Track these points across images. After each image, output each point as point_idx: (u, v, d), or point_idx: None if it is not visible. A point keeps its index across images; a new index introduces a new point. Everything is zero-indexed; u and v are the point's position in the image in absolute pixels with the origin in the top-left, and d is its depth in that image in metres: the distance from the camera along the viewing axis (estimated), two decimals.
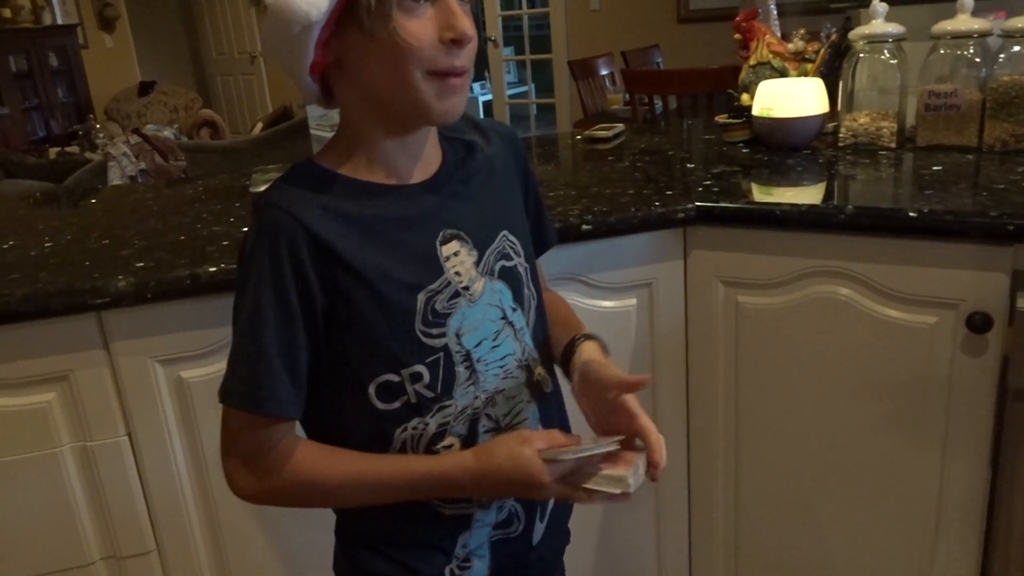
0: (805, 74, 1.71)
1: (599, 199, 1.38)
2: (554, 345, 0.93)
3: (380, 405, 0.80)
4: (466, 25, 0.73)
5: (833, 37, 1.70)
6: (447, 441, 0.82)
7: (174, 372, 1.21)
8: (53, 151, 5.03)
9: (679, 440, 1.45)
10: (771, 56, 1.74)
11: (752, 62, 1.76)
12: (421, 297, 0.79)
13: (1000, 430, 1.18)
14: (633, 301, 1.37)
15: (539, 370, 0.89)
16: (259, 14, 0.75)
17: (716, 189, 1.39)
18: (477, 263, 0.83)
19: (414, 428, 0.81)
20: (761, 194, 1.39)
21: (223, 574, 1.33)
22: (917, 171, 1.44)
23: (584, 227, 1.28)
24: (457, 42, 0.73)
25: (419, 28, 0.72)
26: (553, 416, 0.91)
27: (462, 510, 0.85)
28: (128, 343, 1.18)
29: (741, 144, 1.70)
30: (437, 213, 0.82)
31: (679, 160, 1.72)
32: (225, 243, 1.30)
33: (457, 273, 0.81)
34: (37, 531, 1.23)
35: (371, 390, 0.80)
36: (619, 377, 0.82)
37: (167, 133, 4.59)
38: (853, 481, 1.33)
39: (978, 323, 1.15)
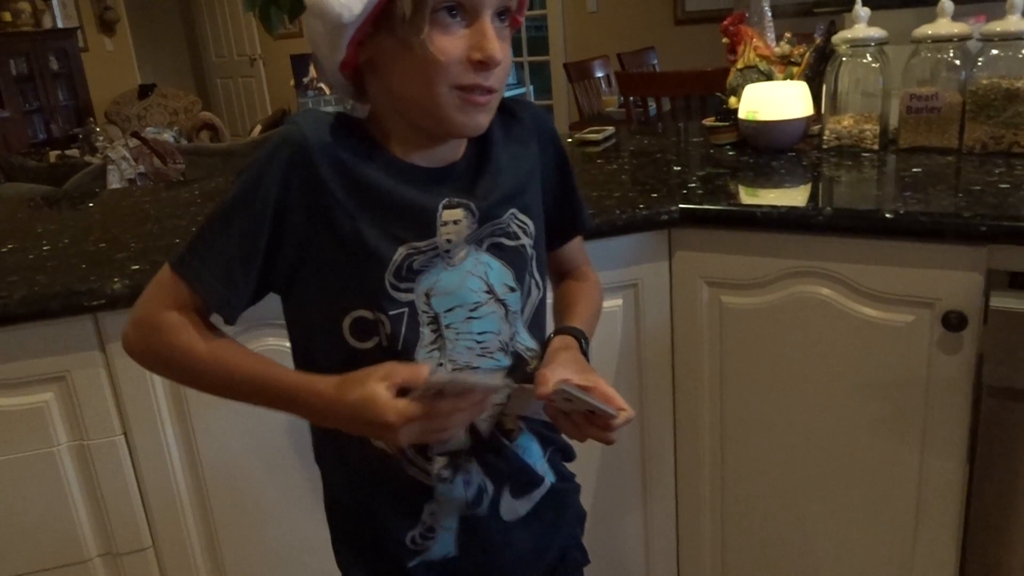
0: (791, 77, 1.74)
1: (586, 201, 1.40)
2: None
3: (353, 341, 0.81)
4: (495, 48, 0.74)
5: (817, 41, 1.72)
6: None
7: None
8: (53, 154, 5.06)
9: (666, 439, 1.48)
10: (758, 59, 1.77)
11: (739, 65, 1.79)
12: (401, 251, 0.79)
13: (976, 426, 1.21)
14: (619, 302, 1.40)
15: (535, 364, 0.88)
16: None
17: (701, 191, 1.42)
18: (471, 233, 0.83)
19: None
20: (746, 196, 1.42)
21: (218, 569, 1.35)
22: (898, 173, 1.46)
23: None
24: (484, 64, 0.75)
25: (449, 44, 0.74)
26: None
27: (420, 477, 0.85)
28: None
29: (728, 147, 1.73)
30: (449, 184, 0.83)
31: (667, 163, 1.74)
32: None
33: (448, 240, 0.81)
34: (35, 528, 1.25)
35: (346, 323, 0.80)
36: (554, 366, 0.81)
37: (167, 136, 4.61)
38: (836, 477, 1.36)
39: (954, 322, 1.18)
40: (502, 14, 0.77)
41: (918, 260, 1.20)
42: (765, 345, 1.35)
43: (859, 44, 1.56)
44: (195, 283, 0.78)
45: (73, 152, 4.96)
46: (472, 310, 0.83)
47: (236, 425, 1.29)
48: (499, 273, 0.85)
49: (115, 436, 1.24)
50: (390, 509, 0.87)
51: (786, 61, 1.78)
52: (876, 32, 1.55)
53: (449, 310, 0.82)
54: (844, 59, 1.58)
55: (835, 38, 1.60)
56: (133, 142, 3.51)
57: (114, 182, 3.30)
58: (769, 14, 2.08)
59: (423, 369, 0.74)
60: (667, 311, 1.41)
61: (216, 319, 0.82)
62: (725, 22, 1.82)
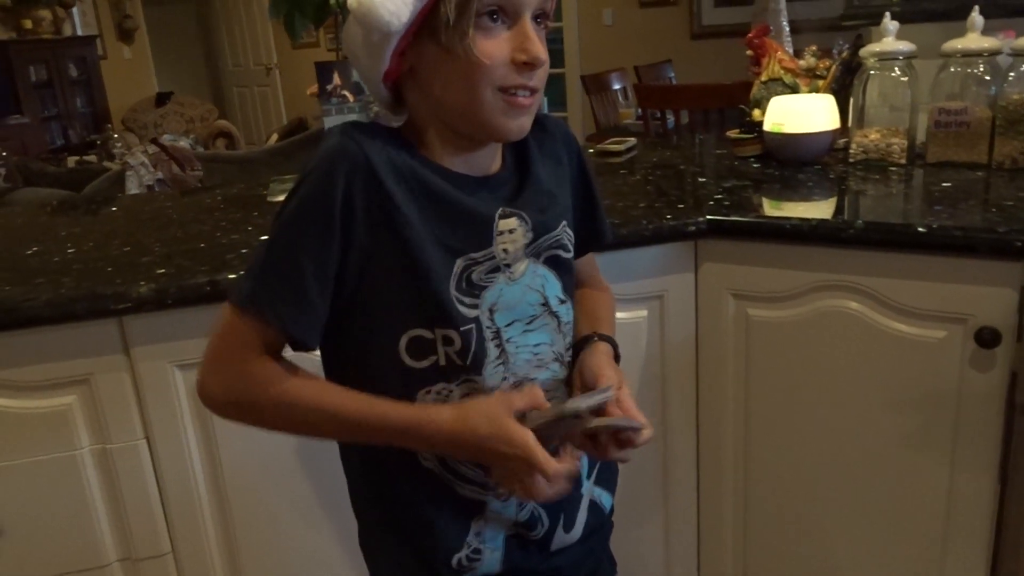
0: (816, 90, 1.73)
1: (611, 212, 1.40)
2: (576, 334, 0.92)
3: (409, 361, 0.80)
4: (539, 49, 0.75)
5: (844, 54, 1.72)
6: None
7: (192, 377, 1.22)
8: (71, 160, 5.09)
9: (688, 452, 1.46)
10: (783, 72, 1.76)
11: (764, 78, 1.78)
12: (459, 263, 0.79)
13: (1008, 445, 1.19)
14: (644, 313, 1.39)
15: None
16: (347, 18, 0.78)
17: (727, 203, 1.41)
18: (528, 244, 0.83)
19: (438, 393, 0.81)
20: (772, 208, 1.41)
21: None
22: (927, 187, 1.45)
23: None
24: (529, 64, 0.75)
25: (493, 47, 0.74)
26: None
27: (476, 494, 0.85)
28: (148, 348, 1.21)
29: (752, 159, 1.72)
30: (497, 192, 0.83)
31: (690, 174, 1.74)
32: (244, 251, 1.32)
33: (505, 250, 0.82)
34: (55, 531, 1.25)
35: (402, 343, 0.79)
36: (608, 382, 0.82)
37: (183, 143, 4.64)
38: (862, 494, 1.34)
39: (987, 338, 1.16)
40: (538, 17, 0.78)
41: (951, 275, 1.18)
42: (792, 359, 1.34)
43: (887, 57, 1.55)
44: (273, 318, 0.75)
45: (91, 158, 4.99)
46: (528, 323, 0.84)
47: (258, 432, 1.28)
48: (553, 286, 0.87)
49: (137, 440, 1.24)
50: (437, 530, 0.85)
51: (811, 74, 1.77)
52: (905, 46, 1.54)
53: (509, 324, 0.83)
54: (872, 72, 1.57)
55: (863, 51, 1.59)
56: (152, 148, 3.53)
57: (132, 188, 3.32)
58: (787, 28, 2.08)
59: (537, 393, 0.77)
60: (692, 323, 1.40)
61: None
62: (750, 35, 1.82)
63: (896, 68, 1.55)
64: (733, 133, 1.81)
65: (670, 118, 3.39)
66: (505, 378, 0.83)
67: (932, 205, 1.34)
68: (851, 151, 1.61)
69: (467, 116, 0.78)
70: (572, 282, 0.89)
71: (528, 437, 0.74)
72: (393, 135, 0.81)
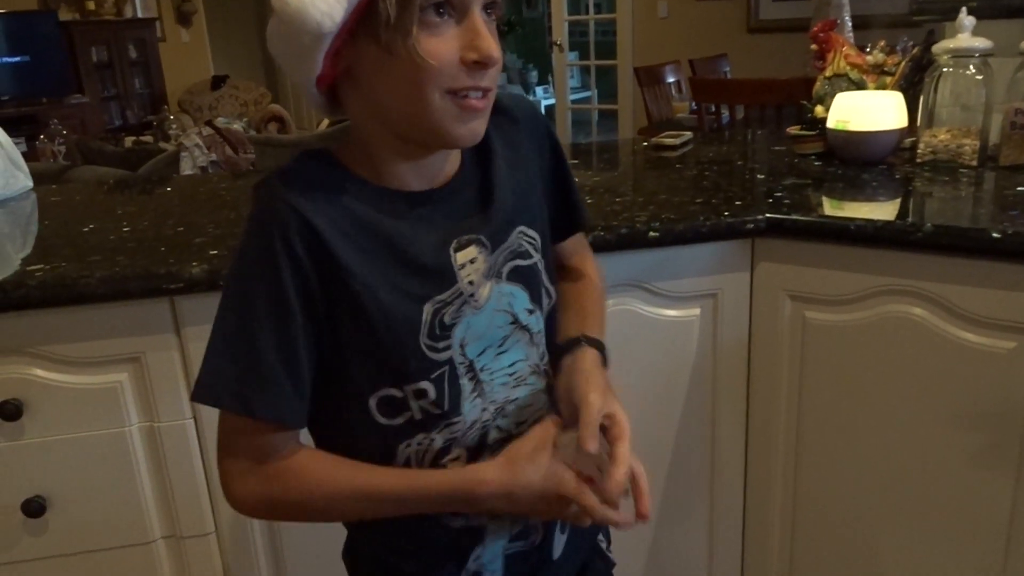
0: (883, 87, 1.67)
1: (666, 207, 1.37)
2: (559, 330, 0.85)
3: (382, 419, 0.75)
4: (491, 46, 0.68)
5: (915, 51, 1.65)
6: (454, 454, 0.77)
7: None
8: (129, 140, 5.19)
9: (736, 456, 1.43)
10: (848, 68, 1.70)
11: (828, 73, 1.73)
12: (428, 308, 0.73)
13: None
14: (697, 311, 1.35)
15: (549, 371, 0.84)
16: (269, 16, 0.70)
17: (787, 201, 1.36)
18: (489, 267, 0.77)
19: (419, 444, 0.77)
20: (833, 208, 1.36)
21: (277, 559, 1.35)
22: (1000, 191, 1.39)
23: (651, 234, 1.27)
24: (480, 64, 0.68)
25: (440, 46, 0.67)
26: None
27: (472, 522, 0.80)
28: (199, 328, 1.21)
29: (813, 157, 1.67)
30: (453, 218, 0.76)
31: (748, 171, 1.69)
32: None
33: (470, 282, 0.75)
34: (102, 506, 1.26)
35: (372, 403, 0.75)
36: (596, 410, 0.75)
37: (237, 126, 4.70)
38: (918, 509, 1.29)
39: None
40: (488, 7, 0.70)
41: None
42: (849, 365, 1.29)
43: (962, 55, 1.48)
44: (270, 415, 0.71)
45: (147, 139, 5.08)
46: (500, 345, 0.79)
47: None
48: (521, 299, 0.80)
49: (185, 420, 1.25)
50: (431, 567, 0.82)
51: (879, 70, 1.71)
52: (981, 43, 1.47)
53: (481, 353, 0.77)
54: (945, 70, 1.51)
55: (935, 48, 1.53)
56: (206, 130, 3.58)
57: (186, 169, 3.37)
58: (850, 24, 2.01)
59: (551, 429, 0.75)
60: (746, 324, 1.36)
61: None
62: (815, 28, 1.76)
63: (971, 66, 1.49)
64: (794, 129, 1.75)
65: (725, 113, 3.33)
66: (484, 408, 0.78)
67: (1005, 210, 1.28)
68: (919, 151, 1.55)
69: (414, 122, 0.70)
70: (539, 288, 0.82)
71: (583, 488, 0.72)
72: (324, 167, 0.74)
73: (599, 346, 0.84)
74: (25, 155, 1.95)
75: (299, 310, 0.70)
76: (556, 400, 0.81)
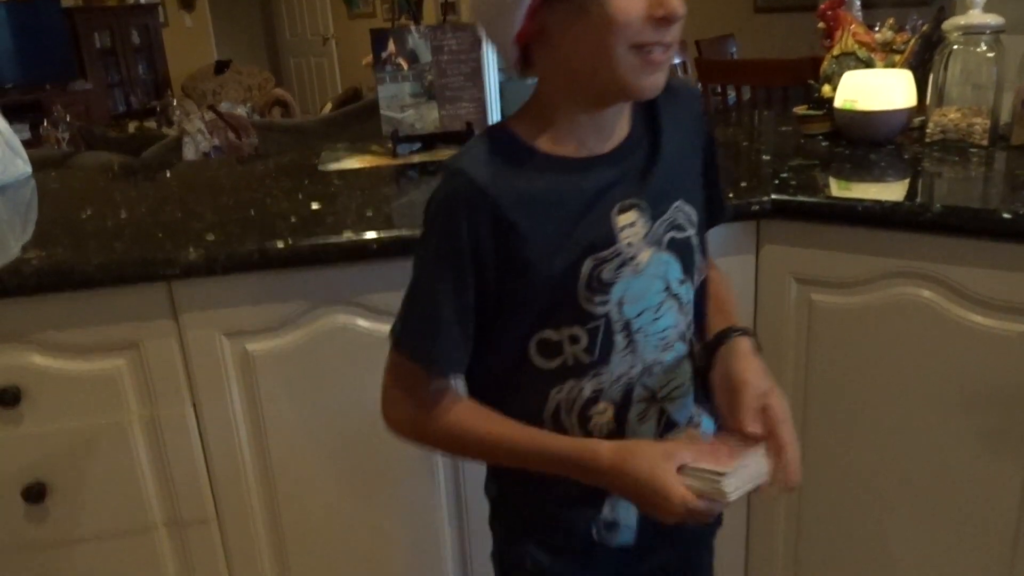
0: (892, 66, 1.64)
1: None
2: (708, 328, 0.91)
3: (538, 362, 0.83)
4: (676, 3, 0.73)
5: (925, 28, 1.62)
6: (600, 407, 0.83)
7: (240, 345, 1.23)
8: (132, 125, 5.18)
9: None
10: (856, 46, 1.67)
11: (836, 52, 1.69)
12: (587, 263, 0.80)
13: None
14: None
15: (698, 346, 0.89)
16: None
17: (793, 183, 1.34)
18: (647, 233, 0.83)
19: (569, 391, 0.83)
20: (841, 189, 1.34)
21: (279, 544, 1.34)
22: (1011, 171, 1.36)
23: None
24: (666, 20, 0.73)
25: (629, 3, 0.72)
26: (702, 393, 0.90)
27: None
28: (196, 315, 1.20)
29: (820, 137, 1.64)
30: (619, 183, 0.82)
31: (754, 152, 1.67)
32: (293, 220, 1.30)
33: (629, 244, 0.81)
34: (102, 492, 1.26)
35: (531, 345, 0.82)
36: (756, 393, 0.80)
37: (240, 111, 4.68)
38: (926, 496, 1.28)
39: None
40: None
41: None
42: (857, 348, 1.27)
43: (973, 32, 1.45)
44: (417, 357, 0.82)
45: (151, 124, 5.07)
46: (656, 310, 0.84)
47: (304, 402, 1.27)
48: (675, 269, 0.85)
49: (184, 407, 1.24)
50: (569, 504, 0.87)
51: (888, 49, 1.68)
52: (993, 19, 1.44)
53: (639, 315, 0.83)
54: (955, 48, 1.47)
55: (946, 24, 1.49)
56: (209, 115, 3.56)
57: (189, 154, 3.36)
58: (858, 2, 1.98)
59: (700, 444, 0.79)
60: (751, 306, 1.34)
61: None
62: (823, 6, 1.73)
63: (982, 43, 1.45)
64: (800, 109, 1.72)
65: (731, 94, 3.29)
66: (633, 365, 0.84)
67: (1016, 190, 1.26)
68: (928, 131, 1.52)
69: (599, 75, 0.75)
70: (692, 261, 0.87)
71: (687, 498, 0.74)
72: (503, 141, 0.81)
73: (750, 334, 0.88)
74: (29, 142, 1.94)
75: (472, 280, 0.79)
76: (710, 389, 0.86)
